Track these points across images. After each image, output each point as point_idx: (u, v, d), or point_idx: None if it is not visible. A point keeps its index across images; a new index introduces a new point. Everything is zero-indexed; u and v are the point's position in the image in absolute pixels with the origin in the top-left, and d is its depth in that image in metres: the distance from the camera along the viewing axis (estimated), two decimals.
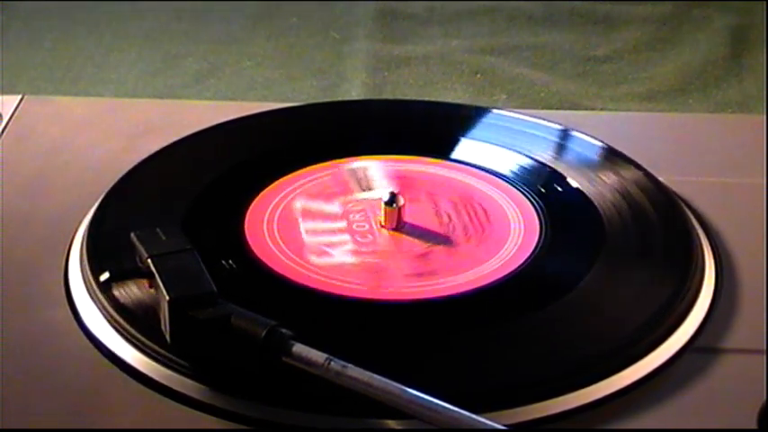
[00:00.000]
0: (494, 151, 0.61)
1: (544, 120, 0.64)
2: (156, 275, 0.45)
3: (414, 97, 0.87)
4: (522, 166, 0.59)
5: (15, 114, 0.66)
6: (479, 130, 0.63)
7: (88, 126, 0.65)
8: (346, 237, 0.54)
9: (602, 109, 0.85)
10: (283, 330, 0.43)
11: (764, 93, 0.87)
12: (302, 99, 0.87)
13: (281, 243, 0.53)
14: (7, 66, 0.92)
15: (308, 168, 0.59)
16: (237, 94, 0.89)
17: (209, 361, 0.44)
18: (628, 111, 0.84)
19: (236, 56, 0.96)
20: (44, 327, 0.49)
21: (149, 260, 0.46)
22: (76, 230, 0.55)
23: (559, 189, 0.58)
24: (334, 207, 0.56)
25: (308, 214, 0.55)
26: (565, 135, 0.62)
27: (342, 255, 0.52)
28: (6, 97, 0.68)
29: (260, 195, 0.57)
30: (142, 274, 0.46)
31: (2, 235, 0.55)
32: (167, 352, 0.45)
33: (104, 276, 0.49)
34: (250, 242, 0.53)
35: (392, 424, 0.43)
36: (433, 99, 0.86)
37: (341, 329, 0.48)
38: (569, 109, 0.85)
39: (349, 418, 0.43)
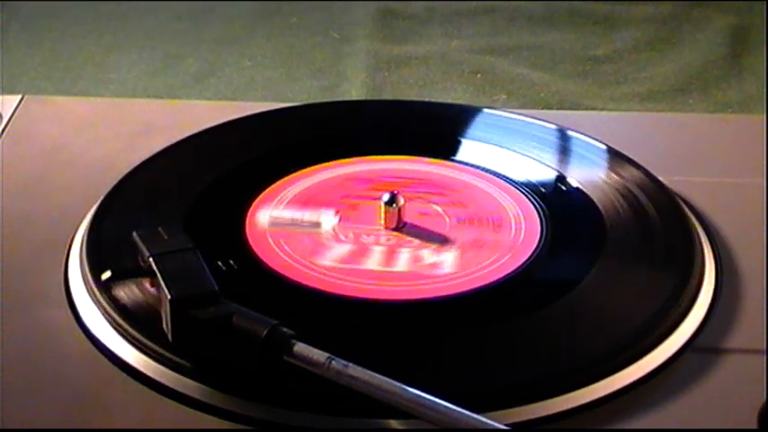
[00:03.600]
0: (494, 151, 0.61)
1: (544, 120, 0.64)
2: (158, 274, 0.45)
3: (414, 97, 0.87)
4: (522, 167, 0.59)
5: (15, 114, 0.66)
6: (479, 130, 0.63)
7: (88, 126, 0.65)
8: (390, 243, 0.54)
9: (602, 109, 0.85)
10: (284, 329, 0.43)
11: (764, 93, 0.87)
12: (302, 99, 0.87)
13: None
14: (7, 66, 0.92)
15: (309, 168, 0.59)
16: (237, 94, 0.89)
17: (210, 360, 0.44)
18: (628, 111, 0.85)
19: (236, 56, 0.96)
20: (44, 327, 0.49)
21: (151, 259, 0.46)
22: (76, 230, 0.55)
23: (560, 189, 0.58)
24: (345, 247, 0.54)
25: (360, 252, 0.53)
26: (565, 135, 0.62)
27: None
28: (6, 97, 0.68)
29: (260, 195, 0.57)
30: (144, 273, 0.46)
31: (2, 235, 0.55)
32: (167, 352, 0.45)
33: (106, 275, 0.49)
34: (251, 242, 0.53)
35: (393, 424, 0.43)
36: (433, 99, 0.86)
37: (341, 329, 0.48)
38: (569, 109, 0.85)
39: (350, 417, 0.43)
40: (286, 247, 0.53)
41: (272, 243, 0.53)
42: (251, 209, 0.55)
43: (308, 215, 0.56)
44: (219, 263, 0.50)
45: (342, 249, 0.53)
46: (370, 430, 0.43)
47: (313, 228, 0.55)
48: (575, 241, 0.54)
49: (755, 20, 1.00)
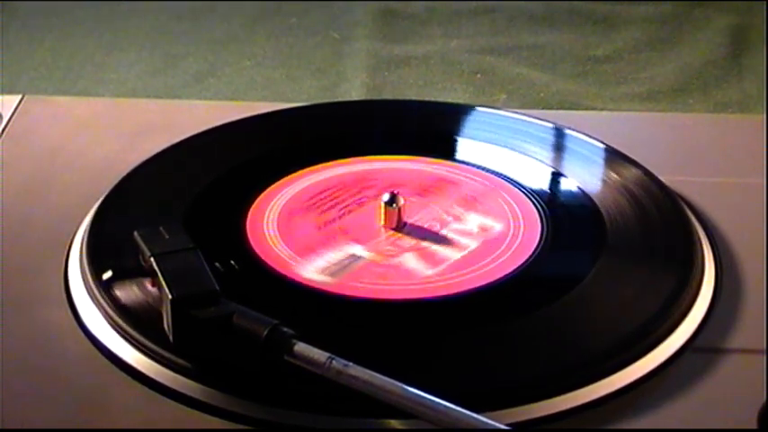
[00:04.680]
0: (494, 151, 0.61)
1: (544, 120, 0.64)
2: (159, 274, 0.45)
3: (414, 97, 0.87)
4: (522, 166, 0.59)
5: (15, 114, 0.66)
6: (479, 130, 0.64)
7: (88, 126, 0.65)
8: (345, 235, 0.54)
9: (602, 109, 0.85)
10: (285, 329, 0.43)
11: (764, 93, 0.87)
12: (302, 99, 0.87)
13: (281, 243, 0.53)
14: (7, 66, 0.92)
15: (309, 168, 0.59)
16: (237, 94, 0.89)
17: (210, 360, 0.44)
18: (628, 111, 0.84)
19: (236, 56, 0.96)
20: (44, 327, 0.49)
21: (152, 259, 0.46)
22: (76, 230, 0.55)
23: (560, 189, 0.58)
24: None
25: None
26: (565, 135, 0.62)
27: (339, 252, 0.52)
28: (6, 97, 0.68)
29: (260, 195, 0.57)
30: (144, 272, 0.46)
31: (2, 235, 0.55)
32: (167, 352, 0.45)
33: (107, 275, 0.50)
34: (251, 242, 0.53)
35: (394, 423, 0.43)
36: (433, 99, 0.86)
37: (341, 329, 0.48)
38: (569, 109, 0.85)
39: (350, 417, 0.43)
40: (285, 247, 0.53)
41: (271, 243, 0.53)
42: (251, 209, 0.55)
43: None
44: (223, 261, 0.50)
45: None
46: (370, 430, 0.43)
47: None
48: (575, 241, 0.54)
49: (755, 20, 1.00)
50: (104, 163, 0.61)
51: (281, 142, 0.62)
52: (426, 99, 0.86)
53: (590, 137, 0.62)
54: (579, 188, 0.57)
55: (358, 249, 0.53)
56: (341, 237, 0.54)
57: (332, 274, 0.51)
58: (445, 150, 0.61)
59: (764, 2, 1.01)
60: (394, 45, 0.97)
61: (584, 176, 0.58)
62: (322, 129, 0.64)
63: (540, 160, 0.60)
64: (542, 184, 0.58)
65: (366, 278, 0.51)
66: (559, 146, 0.62)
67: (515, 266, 0.51)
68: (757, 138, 0.63)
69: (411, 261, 0.52)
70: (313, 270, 0.51)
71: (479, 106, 0.68)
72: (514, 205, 0.56)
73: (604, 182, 0.58)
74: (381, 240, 0.54)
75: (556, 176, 0.59)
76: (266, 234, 0.54)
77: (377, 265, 0.52)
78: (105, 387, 0.46)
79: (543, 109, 0.84)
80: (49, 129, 0.65)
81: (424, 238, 0.54)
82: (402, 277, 0.51)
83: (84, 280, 0.51)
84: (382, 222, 0.54)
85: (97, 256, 0.51)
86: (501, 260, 0.52)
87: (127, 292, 0.49)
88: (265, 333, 0.43)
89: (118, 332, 0.47)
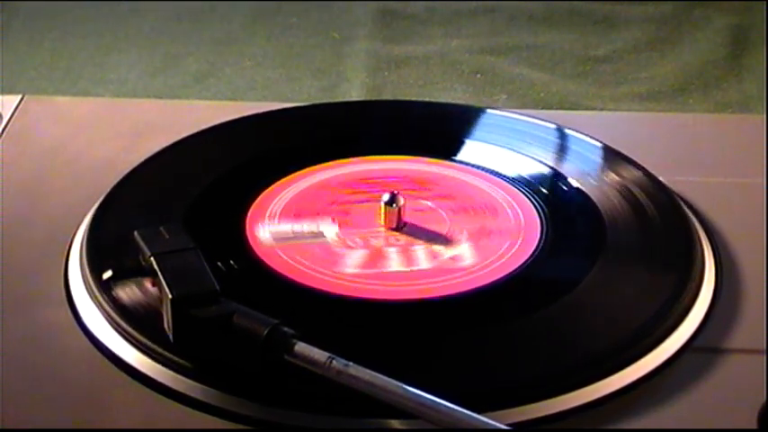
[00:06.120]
0: (494, 151, 0.61)
1: (544, 120, 0.64)
2: (159, 274, 0.45)
3: (414, 97, 0.87)
4: (522, 167, 0.59)
5: (15, 114, 0.66)
6: (479, 130, 0.64)
7: (88, 126, 0.65)
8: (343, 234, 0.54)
9: (602, 109, 0.85)
10: (285, 329, 0.43)
11: (764, 93, 0.87)
12: (302, 99, 0.87)
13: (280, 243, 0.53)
14: (7, 66, 0.92)
15: (309, 168, 0.59)
16: (237, 94, 0.89)
17: (211, 360, 0.44)
18: (628, 111, 0.85)
19: (236, 56, 0.96)
20: (44, 327, 0.49)
21: (152, 258, 0.46)
22: (76, 230, 0.55)
23: (560, 189, 0.58)
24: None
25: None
26: (565, 135, 0.62)
27: (342, 253, 0.52)
28: (6, 97, 0.68)
29: (260, 195, 0.57)
30: (144, 272, 0.46)
31: (2, 235, 0.55)
32: (167, 352, 0.45)
33: (107, 275, 0.50)
34: (251, 242, 0.53)
35: (394, 423, 0.43)
36: (433, 99, 0.86)
37: (341, 329, 0.48)
38: (569, 109, 0.85)
39: (350, 417, 0.43)
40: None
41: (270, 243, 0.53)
42: (251, 209, 0.55)
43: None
44: (223, 261, 0.50)
45: (341, 249, 0.53)
46: (370, 430, 0.43)
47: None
48: (575, 241, 0.54)
49: (755, 20, 1.00)
50: (104, 163, 0.61)
51: (281, 142, 0.62)
52: (426, 99, 0.86)
53: (590, 137, 0.62)
54: (579, 188, 0.57)
55: (329, 230, 0.53)
56: (342, 237, 0.54)
57: (278, 240, 0.51)
58: (445, 150, 0.61)
59: (764, 2, 1.01)
60: (394, 45, 0.97)
61: (584, 177, 0.58)
62: (322, 129, 0.64)
63: (540, 160, 0.60)
64: (542, 184, 0.58)
65: (366, 278, 0.51)
66: (559, 146, 0.62)
67: (515, 266, 0.51)
68: (757, 138, 0.63)
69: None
70: (271, 231, 0.51)
71: (479, 106, 0.68)
72: (514, 205, 0.56)
73: (604, 182, 0.58)
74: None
75: (556, 177, 0.59)
76: (265, 234, 0.54)
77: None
78: (105, 387, 0.46)
79: (543, 109, 0.84)
80: (49, 129, 0.65)
81: (423, 239, 0.54)
82: (402, 277, 0.51)
83: (84, 280, 0.50)
84: (382, 222, 0.54)
85: (97, 256, 0.51)
86: (500, 260, 0.52)
87: (127, 292, 0.49)
88: (265, 333, 0.43)
89: (118, 332, 0.47)
